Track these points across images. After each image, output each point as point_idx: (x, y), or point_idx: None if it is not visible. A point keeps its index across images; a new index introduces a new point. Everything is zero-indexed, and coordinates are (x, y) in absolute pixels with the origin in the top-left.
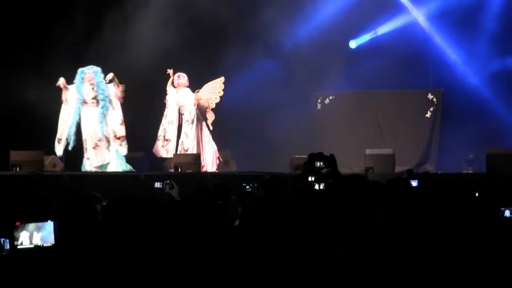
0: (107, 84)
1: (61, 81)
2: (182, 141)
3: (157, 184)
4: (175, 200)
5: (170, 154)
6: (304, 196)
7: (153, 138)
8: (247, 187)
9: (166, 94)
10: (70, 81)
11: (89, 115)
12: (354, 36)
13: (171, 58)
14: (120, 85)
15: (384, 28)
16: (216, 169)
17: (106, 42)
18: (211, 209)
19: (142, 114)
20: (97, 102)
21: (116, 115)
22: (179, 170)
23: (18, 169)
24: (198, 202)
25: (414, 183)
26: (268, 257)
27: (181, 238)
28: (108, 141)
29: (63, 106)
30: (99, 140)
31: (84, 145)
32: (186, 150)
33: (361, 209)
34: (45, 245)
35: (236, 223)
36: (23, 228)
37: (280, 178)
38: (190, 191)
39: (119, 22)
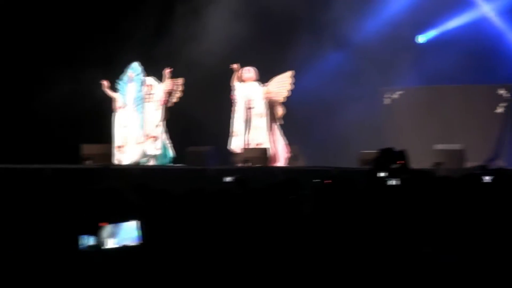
0: (157, 83)
1: (106, 86)
2: (252, 136)
3: (227, 179)
4: (247, 195)
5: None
6: (377, 191)
7: (221, 132)
8: (318, 182)
9: (231, 89)
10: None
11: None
12: (422, 31)
13: (240, 51)
14: (176, 80)
15: (452, 23)
16: (285, 164)
17: (176, 37)
18: (282, 203)
19: (210, 108)
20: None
21: (154, 115)
22: (249, 164)
23: (89, 162)
24: (269, 197)
25: (488, 179)
26: (341, 249)
27: (253, 232)
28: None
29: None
30: (134, 138)
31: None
32: (257, 145)
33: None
34: (130, 244)
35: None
36: (108, 228)
37: (349, 173)
38: (259, 185)
39: (189, 15)
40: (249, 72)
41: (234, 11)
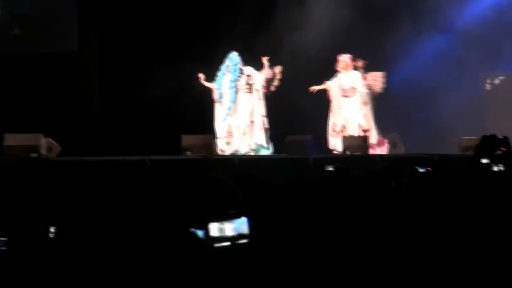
0: (257, 72)
1: (202, 78)
2: (359, 123)
3: (329, 167)
4: (349, 183)
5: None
6: (480, 177)
7: (320, 121)
8: (420, 170)
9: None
10: None
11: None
12: None
13: (341, 39)
14: (274, 68)
15: None
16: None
17: (276, 26)
18: (383, 191)
19: (309, 97)
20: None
21: (257, 104)
22: (348, 152)
23: (189, 153)
24: (370, 185)
25: None
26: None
27: (354, 220)
28: (246, 129)
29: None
30: (240, 129)
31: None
32: (366, 131)
33: None
34: (239, 241)
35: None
36: (217, 225)
37: (450, 160)
38: (360, 174)
39: (291, 4)
40: (347, 60)
41: None
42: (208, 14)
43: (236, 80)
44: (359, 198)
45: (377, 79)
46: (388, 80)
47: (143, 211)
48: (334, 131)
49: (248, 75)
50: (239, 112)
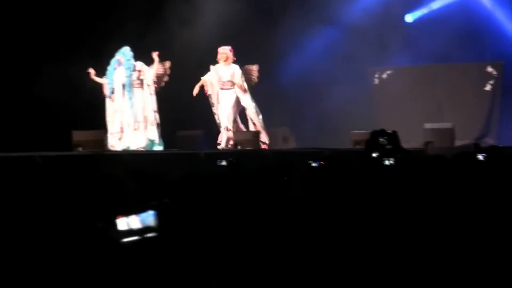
0: (147, 67)
1: (92, 74)
2: (234, 117)
3: (221, 162)
4: (241, 178)
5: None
6: (372, 171)
7: (210, 116)
8: (313, 164)
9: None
10: None
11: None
12: (410, 10)
13: (230, 33)
14: (164, 63)
15: (440, 2)
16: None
17: (165, 22)
18: (277, 185)
19: (201, 93)
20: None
21: (149, 100)
22: (239, 147)
23: (80, 149)
24: (263, 179)
25: (481, 157)
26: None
27: (250, 214)
28: (137, 125)
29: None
30: (130, 125)
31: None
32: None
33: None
34: (147, 235)
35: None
36: (125, 219)
37: (341, 154)
38: (252, 168)
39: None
40: (229, 51)
41: None
42: (98, 10)
43: (130, 75)
44: (253, 192)
45: (252, 72)
46: (278, 74)
47: (37, 208)
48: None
49: (139, 70)
50: (130, 108)
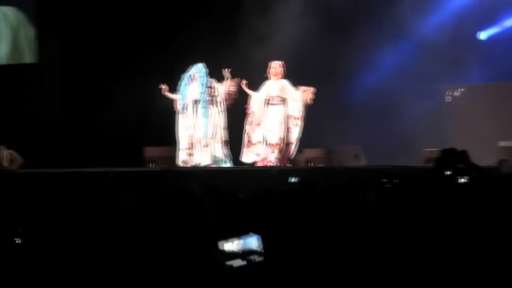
0: (219, 84)
1: (164, 89)
2: (280, 136)
3: (292, 179)
4: (313, 195)
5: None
6: (445, 190)
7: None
8: (386, 182)
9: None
10: None
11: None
12: (484, 27)
13: (305, 49)
14: (234, 80)
15: None
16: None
17: (239, 38)
18: (349, 203)
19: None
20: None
21: (220, 117)
22: (310, 164)
23: (152, 165)
24: (335, 197)
25: None
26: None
27: (322, 232)
28: (208, 141)
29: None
30: (202, 141)
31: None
32: (287, 145)
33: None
34: (253, 259)
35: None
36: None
37: (413, 172)
38: (323, 185)
39: (256, 15)
40: (280, 67)
41: (301, 9)
42: (170, 27)
43: (205, 92)
44: (327, 210)
45: (308, 92)
46: (349, 91)
47: (109, 224)
48: (249, 142)
49: (211, 87)
50: (204, 124)
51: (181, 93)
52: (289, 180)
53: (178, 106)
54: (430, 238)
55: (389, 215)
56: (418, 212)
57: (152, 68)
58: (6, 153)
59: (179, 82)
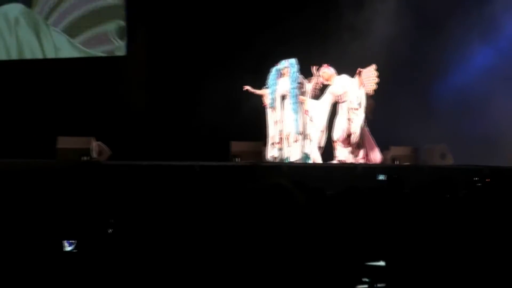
0: (307, 81)
1: (250, 89)
2: (343, 128)
3: (380, 177)
4: (402, 193)
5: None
6: None
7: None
8: (479, 182)
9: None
10: None
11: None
12: None
13: (390, 48)
14: (319, 77)
15: None
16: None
17: (329, 35)
18: (439, 203)
19: None
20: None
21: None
22: (397, 162)
23: (239, 159)
24: (425, 196)
25: None
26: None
27: (413, 231)
28: (298, 137)
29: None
30: (291, 136)
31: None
32: (349, 136)
33: None
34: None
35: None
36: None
37: (503, 172)
38: (411, 184)
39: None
40: (329, 68)
41: (394, 6)
42: (261, 23)
43: (295, 87)
44: (416, 210)
45: (369, 75)
46: (437, 90)
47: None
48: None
49: (300, 83)
50: (294, 119)
51: (270, 87)
52: (377, 178)
53: (267, 101)
54: None
55: (482, 213)
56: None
57: (241, 64)
58: (95, 144)
59: (268, 75)
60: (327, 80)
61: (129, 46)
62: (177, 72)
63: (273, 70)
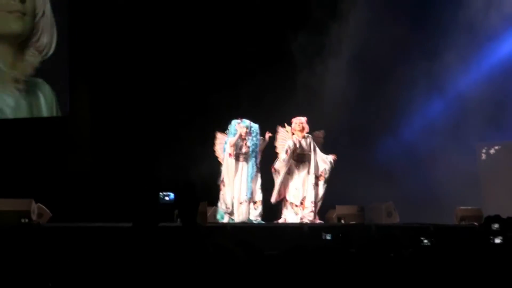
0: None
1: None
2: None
3: (326, 236)
4: (348, 252)
5: None
6: (484, 250)
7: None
8: (425, 241)
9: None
10: None
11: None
12: None
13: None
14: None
15: None
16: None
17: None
18: (384, 261)
19: None
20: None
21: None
22: (342, 221)
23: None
24: (370, 254)
25: None
26: None
27: None
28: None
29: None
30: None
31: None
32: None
33: None
34: None
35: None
36: None
37: (448, 231)
38: (356, 243)
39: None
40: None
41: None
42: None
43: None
44: (361, 269)
45: (319, 138)
46: (382, 147)
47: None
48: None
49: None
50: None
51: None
52: (323, 237)
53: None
54: None
55: (426, 272)
56: (456, 270)
57: (189, 126)
58: (35, 206)
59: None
60: (299, 131)
61: (71, 105)
62: (119, 133)
63: (233, 123)
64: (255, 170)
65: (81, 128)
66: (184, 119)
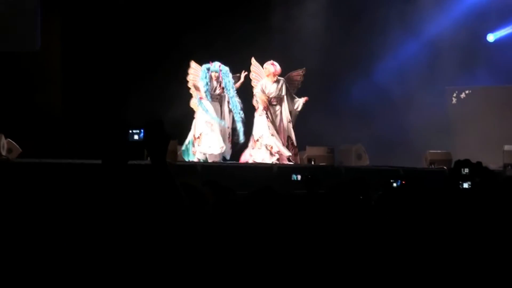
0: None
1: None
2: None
3: (295, 177)
4: (317, 194)
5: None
6: (451, 194)
7: None
8: (394, 184)
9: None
10: None
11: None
12: (492, 29)
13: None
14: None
15: None
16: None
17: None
18: (352, 204)
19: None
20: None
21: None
22: (313, 162)
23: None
24: (338, 197)
25: None
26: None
27: (322, 233)
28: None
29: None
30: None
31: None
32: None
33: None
34: None
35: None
36: None
37: (418, 174)
38: (324, 185)
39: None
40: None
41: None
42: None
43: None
44: (329, 211)
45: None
46: (354, 90)
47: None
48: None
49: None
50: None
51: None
52: (292, 178)
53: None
54: (434, 240)
55: (395, 216)
56: (424, 214)
57: (164, 62)
58: (4, 142)
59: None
60: (268, 76)
61: (43, 40)
62: (95, 68)
63: (204, 68)
64: (238, 106)
65: (52, 63)
66: (158, 56)
